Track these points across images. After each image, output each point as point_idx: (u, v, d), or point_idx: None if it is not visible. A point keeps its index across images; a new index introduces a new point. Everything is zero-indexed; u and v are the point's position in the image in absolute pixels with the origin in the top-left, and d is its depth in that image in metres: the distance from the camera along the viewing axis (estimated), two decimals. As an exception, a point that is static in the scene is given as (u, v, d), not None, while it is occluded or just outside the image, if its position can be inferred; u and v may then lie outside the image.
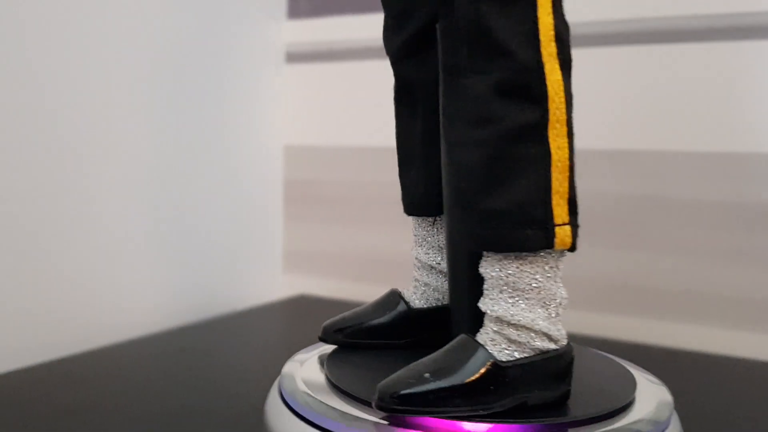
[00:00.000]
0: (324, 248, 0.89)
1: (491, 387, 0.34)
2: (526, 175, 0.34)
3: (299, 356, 0.46)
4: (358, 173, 0.85)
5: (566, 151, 0.34)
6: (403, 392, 0.34)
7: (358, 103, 0.85)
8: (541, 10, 0.34)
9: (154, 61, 0.72)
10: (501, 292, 0.36)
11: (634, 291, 0.71)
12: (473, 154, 0.35)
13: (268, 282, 0.91)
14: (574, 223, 0.36)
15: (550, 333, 0.36)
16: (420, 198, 0.46)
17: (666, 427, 0.37)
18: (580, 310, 0.72)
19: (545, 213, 0.34)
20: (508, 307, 0.36)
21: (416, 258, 0.47)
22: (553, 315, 0.36)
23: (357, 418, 0.36)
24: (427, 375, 0.35)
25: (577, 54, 0.36)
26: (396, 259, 0.82)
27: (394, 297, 0.47)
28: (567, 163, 0.34)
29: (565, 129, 0.34)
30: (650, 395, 0.40)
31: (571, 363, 0.37)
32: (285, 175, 0.92)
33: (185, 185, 0.78)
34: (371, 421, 0.35)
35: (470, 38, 0.35)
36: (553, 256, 0.36)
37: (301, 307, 0.81)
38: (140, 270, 0.73)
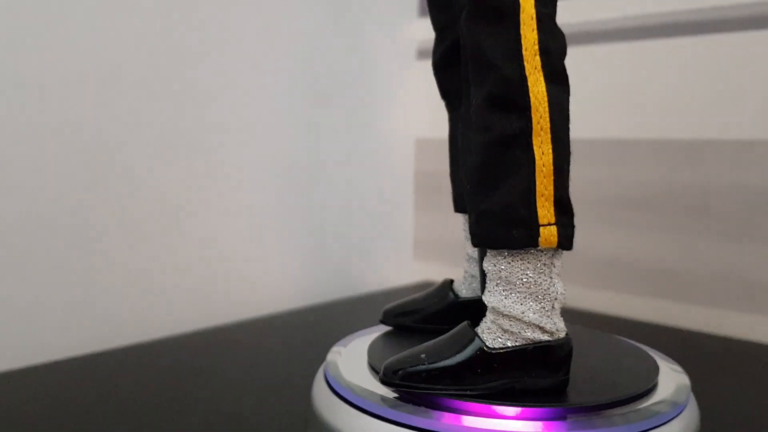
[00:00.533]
0: (451, 237, 0.92)
1: (478, 370, 0.38)
2: (512, 179, 0.37)
3: (347, 340, 0.50)
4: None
5: (550, 156, 0.37)
6: (401, 370, 0.38)
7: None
8: (524, 27, 0.37)
9: (295, 59, 0.79)
10: (497, 285, 0.39)
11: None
12: (473, 159, 0.39)
13: (400, 268, 0.96)
14: (563, 223, 0.38)
15: (542, 325, 0.38)
16: (462, 196, 0.50)
17: (683, 409, 0.39)
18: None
19: (530, 214, 0.37)
20: (502, 299, 0.38)
21: (466, 251, 0.51)
22: (548, 308, 0.38)
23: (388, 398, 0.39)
24: (423, 356, 0.38)
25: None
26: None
27: (445, 288, 0.51)
28: (551, 167, 0.37)
29: (549, 136, 0.37)
30: (670, 380, 0.42)
31: (567, 354, 0.39)
32: (416, 166, 0.96)
33: (325, 176, 0.84)
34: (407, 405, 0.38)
35: (471, 55, 0.38)
36: (546, 254, 0.38)
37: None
38: (286, 252, 0.81)
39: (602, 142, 0.78)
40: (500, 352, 0.38)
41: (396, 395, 0.39)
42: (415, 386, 0.38)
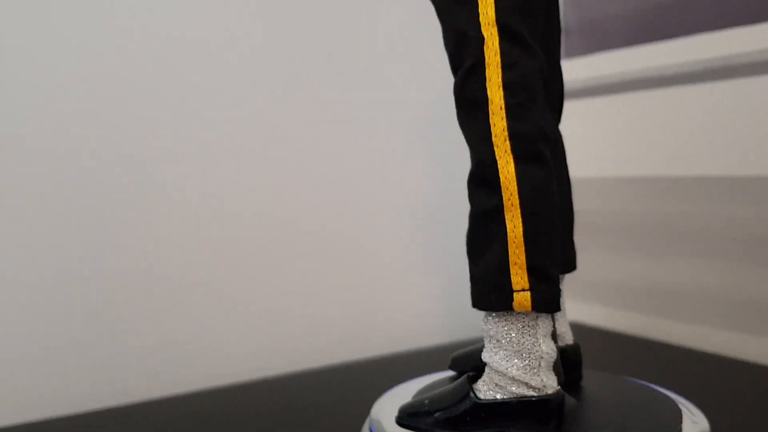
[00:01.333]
0: (597, 276, 0.91)
1: (468, 419, 0.42)
2: (491, 249, 0.42)
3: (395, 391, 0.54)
4: (636, 203, 0.86)
5: (520, 229, 0.41)
6: (409, 413, 0.44)
7: (633, 135, 0.86)
8: (493, 117, 0.41)
9: (436, 95, 0.84)
10: (489, 342, 0.43)
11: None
12: (467, 229, 0.44)
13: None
14: (538, 289, 0.41)
15: (527, 381, 0.41)
16: None
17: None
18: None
19: (505, 280, 0.42)
20: (492, 355, 0.43)
21: None
22: (533, 366, 0.41)
23: None
24: (426, 402, 0.44)
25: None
26: (674, 290, 0.82)
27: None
28: (521, 239, 0.41)
29: (519, 211, 0.41)
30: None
31: (555, 409, 0.41)
32: (565, 205, 0.96)
33: (459, 209, 0.87)
34: None
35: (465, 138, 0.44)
36: (529, 316, 0.42)
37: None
38: (423, 289, 0.85)
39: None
40: (489, 404, 0.42)
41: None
42: (418, 428, 0.43)
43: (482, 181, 0.42)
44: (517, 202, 0.41)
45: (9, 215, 0.65)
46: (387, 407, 0.49)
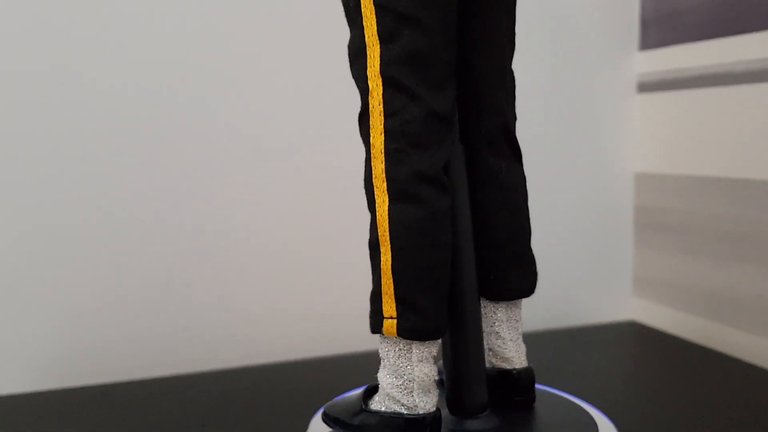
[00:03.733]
0: (671, 277, 0.89)
1: (358, 426, 0.47)
2: (375, 277, 0.46)
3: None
4: (710, 204, 0.83)
5: (389, 263, 0.44)
6: (323, 412, 0.51)
7: (708, 132, 0.83)
8: (374, 161, 0.45)
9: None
10: (380, 359, 0.47)
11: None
12: None
13: (618, 304, 0.95)
14: (405, 317, 0.45)
15: (399, 399, 0.46)
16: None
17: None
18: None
19: (378, 306, 0.46)
20: (380, 371, 0.47)
21: None
22: (408, 387, 0.45)
23: None
24: (334, 406, 0.51)
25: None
26: (742, 298, 0.79)
27: None
28: (390, 272, 0.45)
29: (389, 246, 0.44)
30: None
31: (427, 428, 0.45)
32: (636, 201, 0.94)
33: (544, 205, 0.87)
34: None
35: None
36: (403, 341, 0.45)
37: (624, 333, 0.85)
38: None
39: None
40: (373, 413, 0.47)
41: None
42: (327, 424, 0.50)
43: (371, 215, 0.46)
44: (387, 237, 0.45)
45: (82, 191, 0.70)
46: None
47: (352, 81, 0.47)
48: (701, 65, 0.83)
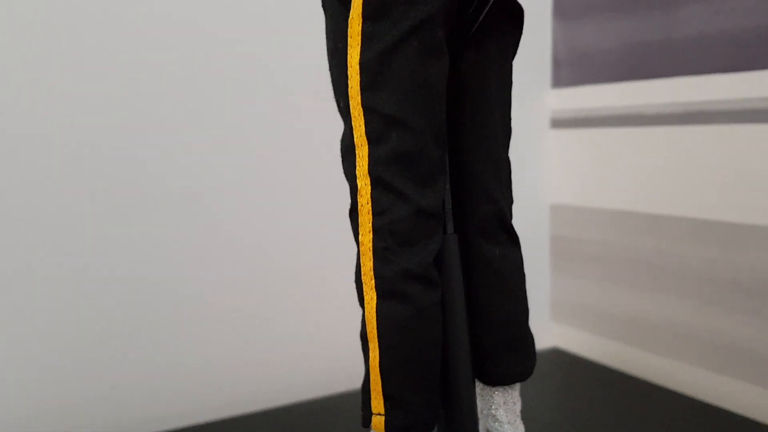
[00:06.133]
0: (587, 303, 0.93)
1: None
2: (365, 370, 0.46)
3: None
4: (622, 235, 0.88)
5: (377, 360, 0.44)
6: None
7: (619, 169, 0.88)
8: (363, 258, 0.45)
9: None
10: None
11: None
12: None
13: (536, 329, 0.98)
14: (393, 414, 0.44)
15: None
16: None
17: None
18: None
19: (368, 401, 0.46)
20: None
21: None
22: None
23: None
24: None
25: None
26: (654, 323, 0.84)
27: None
28: (377, 369, 0.44)
29: (376, 343, 0.44)
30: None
31: None
32: (551, 231, 0.98)
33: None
34: None
35: None
36: None
37: (545, 360, 0.88)
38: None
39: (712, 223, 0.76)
40: None
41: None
42: None
43: (362, 310, 0.46)
44: (375, 334, 0.44)
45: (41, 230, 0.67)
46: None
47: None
48: (610, 105, 0.88)
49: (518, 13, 0.49)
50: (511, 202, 0.52)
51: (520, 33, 0.50)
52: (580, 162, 0.94)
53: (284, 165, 0.80)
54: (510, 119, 0.51)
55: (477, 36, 0.47)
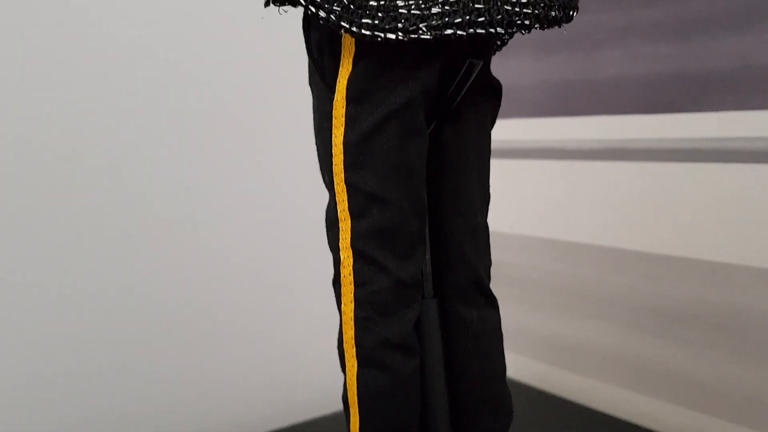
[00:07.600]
0: (512, 325, 0.97)
1: None
2: None
3: None
4: (546, 261, 0.93)
5: (357, 425, 0.46)
6: None
7: (545, 198, 0.92)
8: (345, 327, 0.46)
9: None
10: None
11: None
12: None
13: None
14: None
15: None
16: None
17: None
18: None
19: None
20: None
21: None
22: None
23: None
24: None
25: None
26: (576, 344, 0.89)
27: None
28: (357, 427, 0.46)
29: (356, 409, 0.46)
30: None
31: None
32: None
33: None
34: None
35: None
36: None
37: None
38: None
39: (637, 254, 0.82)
40: None
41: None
42: None
43: (344, 376, 0.48)
44: (355, 401, 0.46)
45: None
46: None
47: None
48: (533, 139, 0.93)
49: (497, 88, 0.51)
50: (490, 264, 0.53)
51: (499, 105, 0.52)
52: (502, 190, 0.98)
53: (278, 173, 0.81)
54: (488, 186, 0.52)
55: (456, 109, 0.49)
